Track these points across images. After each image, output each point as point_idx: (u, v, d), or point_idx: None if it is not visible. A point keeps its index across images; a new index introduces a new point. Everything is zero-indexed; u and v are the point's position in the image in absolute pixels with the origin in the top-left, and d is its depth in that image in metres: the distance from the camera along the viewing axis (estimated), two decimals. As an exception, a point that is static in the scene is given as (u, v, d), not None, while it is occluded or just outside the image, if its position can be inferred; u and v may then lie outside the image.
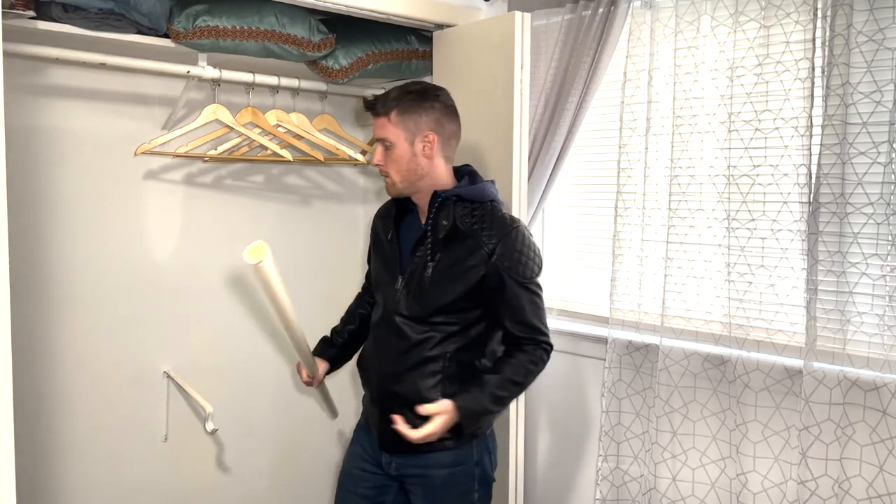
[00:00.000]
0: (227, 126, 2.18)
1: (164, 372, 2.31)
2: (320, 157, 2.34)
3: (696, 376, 1.98)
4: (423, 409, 1.62)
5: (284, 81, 2.25)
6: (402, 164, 1.70)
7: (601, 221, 2.31)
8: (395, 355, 1.72)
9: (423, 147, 1.69)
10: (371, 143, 2.52)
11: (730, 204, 1.90)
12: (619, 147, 2.11)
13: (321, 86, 2.32)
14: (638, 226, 2.09)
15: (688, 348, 1.99)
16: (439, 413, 1.61)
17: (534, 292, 1.69)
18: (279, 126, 2.28)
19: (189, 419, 2.37)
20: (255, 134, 2.21)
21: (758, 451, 1.88)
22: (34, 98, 2.04)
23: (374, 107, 1.72)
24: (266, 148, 2.22)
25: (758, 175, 1.87)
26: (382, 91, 2.37)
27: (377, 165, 1.75)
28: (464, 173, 1.79)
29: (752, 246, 1.88)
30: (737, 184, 1.89)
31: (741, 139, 1.88)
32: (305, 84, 2.28)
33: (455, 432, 1.66)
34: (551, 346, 1.73)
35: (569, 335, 2.30)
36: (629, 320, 2.11)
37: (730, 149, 1.90)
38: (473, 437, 1.73)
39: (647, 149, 2.06)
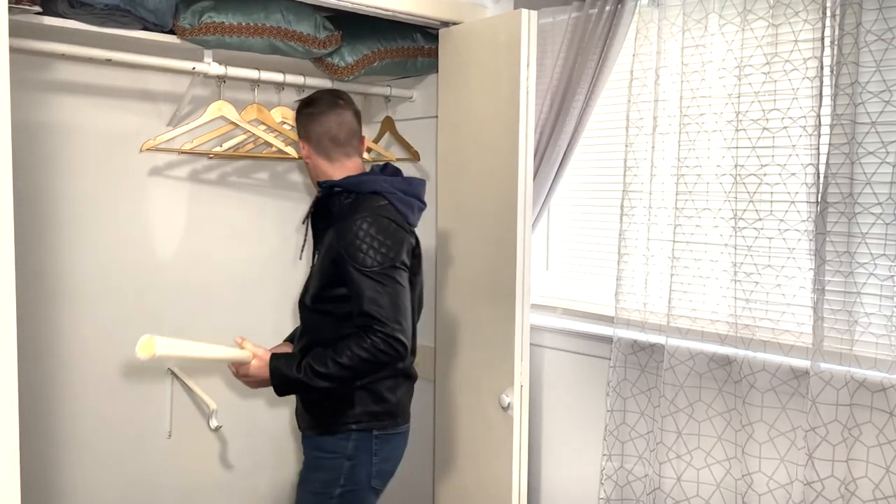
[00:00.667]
0: (233, 123, 2.17)
1: (169, 369, 2.31)
2: (325, 154, 2.33)
3: (701, 376, 1.98)
4: (238, 338, 1.76)
5: (290, 78, 2.24)
6: (307, 164, 1.91)
7: (607, 220, 2.31)
8: (299, 341, 1.86)
9: (308, 151, 1.86)
10: (376, 141, 2.52)
11: (737, 203, 1.90)
12: (626, 146, 2.10)
13: (326, 83, 2.31)
14: (644, 225, 2.09)
15: (693, 348, 1.98)
16: (254, 354, 1.72)
17: (377, 281, 1.67)
18: (284, 123, 2.27)
19: (193, 416, 2.37)
20: (260, 131, 2.21)
21: (764, 451, 1.87)
22: (40, 94, 2.04)
23: None
24: (271, 145, 2.22)
25: (765, 174, 1.86)
26: (388, 88, 2.38)
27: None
28: (378, 169, 1.87)
29: (758, 245, 1.87)
30: (744, 183, 1.88)
31: (749, 138, 1.87)
32: (311, 81, 2.28)
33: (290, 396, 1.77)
34: (392, 338, 1.63)
35: (573, 334, 2.29)
36: (634, 320, 2.10)
37: (737, 148, 1.89)
38: (350, 430, 1.74)
39: (653, 147, 2.05)
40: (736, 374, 1.90)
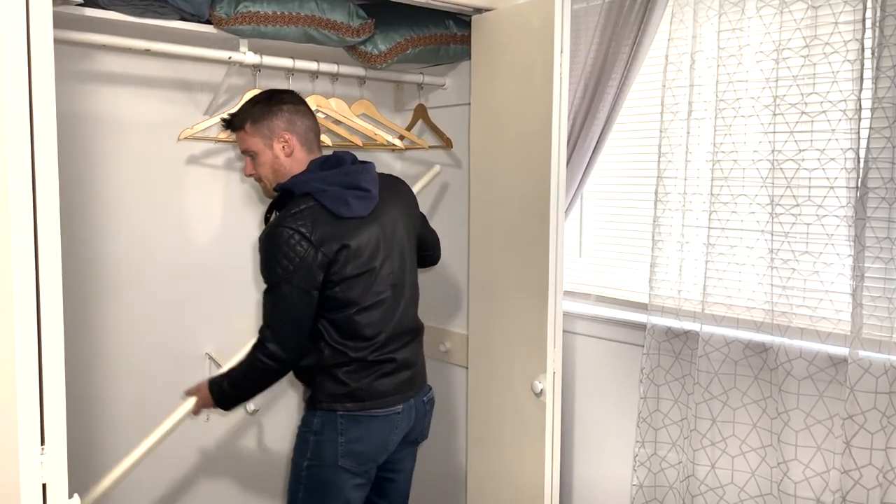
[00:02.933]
0: (268, 111, 2.19)
1: (206, 353, 2.36)
2: (359, 142, 2.35)
3: (736, 363, 1.96)
4: (183, 393, 1.96)
5: (324, 67, 2.26)
6: (269, 167, 1.87)
7: (640, 207, 2.29)
8: None
9: (283, 147, 1.84)
10: (409, 129, 2.53)
11: (774, 189, 1.87)
12: (660, 132, 2.09)
13: (360, 71, 2.33)
14: (678, 211, 2.07)
15: (728, 335, 1.97)
16: (197, 393, 1.91)
17: (270, 291, 1.77)
18: (318, 111, 2.29)
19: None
20: (294, 119, 2.22)
21: (800, 439, 1.85)
22: (80, 84, 2.09)
23: (232, 124, 1.89)
24: (305, 133, 2.24)
25: (803, 160, 1.83)
26: (421, 75, 2.38)
27: (249, 175, 1.92)
28: (321, 161, 1.87)
29: (796, 232, 1.85)
30: (781, 168, 1.86)
31: (786, 123, 1.85)
32: (344, 69, 2.29)
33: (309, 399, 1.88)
34: (265, 351, 1.77)
35: (606, 321, 2.29)
36: (669, 307, 2.09)
37: (774, 132, 1.87)
38: (316, 405, 1.85)
39: (688, 133, 2.03)
40: (772, 361, 1.89)
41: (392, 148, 2.44)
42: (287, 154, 1.85)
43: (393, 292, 1.88)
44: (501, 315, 2.19)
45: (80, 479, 2.11)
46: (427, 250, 2.14)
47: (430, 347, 2.70)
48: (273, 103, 1.84)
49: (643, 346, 2.14)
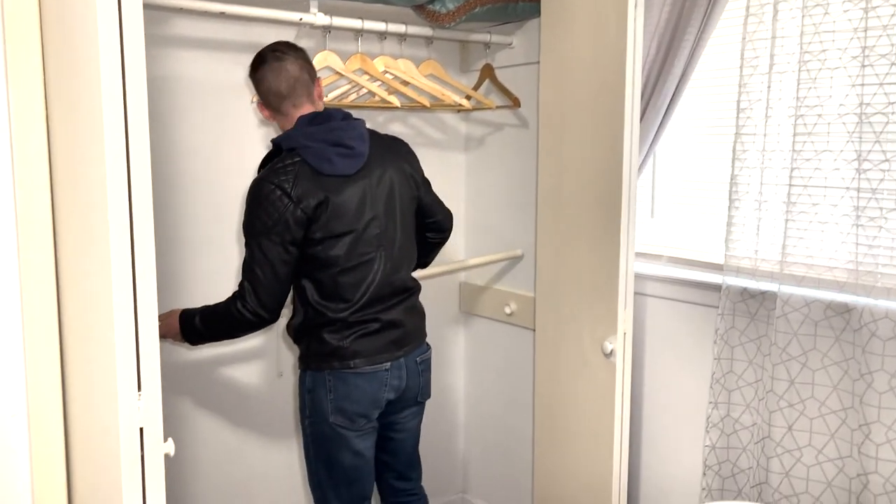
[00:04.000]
0: (338, 73, 2.21)
1: (279, 312, 2.41)
2: (426, 102, 2.34)
3: (816, 324, 1.91)
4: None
5: (392, 27, 2.25)
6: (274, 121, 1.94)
7: (716, 165, 2.24)
8: None
9: (261, 108, 1.91)
10: (476, 88, 2.51)
11: (861, 144, 1.80)
12: (739, 86, 2.02)
13: (427, 31, 2.32)
14: (757, 169, 2.01)
15: (809, 296, 1.92)
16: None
17: (249, 244, 1.79)
18: (387, 72, 2.29)
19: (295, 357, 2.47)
20: (364, 80, 2.24)
21: (883, 401, 1.80)
22: (157, 48, 2.13)
23: None
24: (374, 94, 2.25)
25: (893, 113, 1.76)
26: (487, 34, 2.35)
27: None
28: (311, 117, 1.85)
29: (884, 188, 1.78)
30: (870, 122, 1.78)
31: (876, 75, 1.77)
32: (412, 30, 2.29)
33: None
34: (243, 303, 1.78)
35: (678, 282, 2.25)
36: (745, 267, 2.05)
37: (863, 85, 1.79)
38: (307, 364, 1.89)
39: (769, 87, 1.96)
40: (855, 322, 1.83)
41: (459, 108, 2.43)
42: (272, 114, 1.89)
43: (380, 253, 1.87)
44: (571, 276, 2.17)
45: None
46: (430, 217, 2.07)
47: (495, 310, 2.71)
48: (255, 65, 1.86)
49: (717, 307, 2.11)
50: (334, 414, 1.86)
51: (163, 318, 1.89)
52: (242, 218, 1.82)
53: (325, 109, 1.90)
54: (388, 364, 1.89)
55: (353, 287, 1.84)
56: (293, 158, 1.79)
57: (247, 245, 1.80)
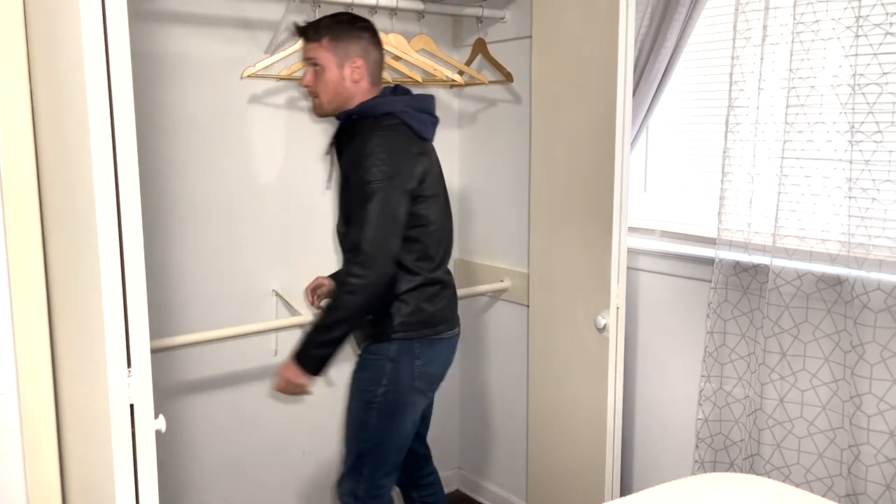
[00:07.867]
0: (328, 48, 2.18)
1: (273, 290, 2.41)
2: (418, 77, 2.32)
3: (808, 296, 1.91)
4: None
5: (382, 2, 2.23)
6: (331, 87, 1.86)
7: (709, 138, 2.22)
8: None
9: (352, 72, 1.84)
10: (468, 63, 2.49)
11: (854, 115, 1.79)
12: (732, 59, 2.00)
13: (419, 5, 2.29)
14: (750, 142, 2.00)
15: (801, 268, 1.91)
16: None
17: (369, 197, 1.73)
18: (378, 47, 2.27)
19: (297, 336, 2.47)
20: (354, 55, 2.21)
21: (875, 372, 1.81)
22: (146, 24, 2.11)
23: (306, 32, 1.86)
24: (365, 69, 2.23)
25: (887, 83, 1.74)
26: (480, 9, 2.33)
27: (307, 86, 1.90)
28: (392, 89, 1.93)
29: (877, 160, 1.77)
30: (863, 93, 1.77)
31: (870, 45, 1.75)
32: (403, 4, 2.26)
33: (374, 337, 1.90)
34: (362, 267, 1.73)
35: (671, 256, 2.25)
36: (737, 240, 2.04)
37: (856, 55, 1.77)
38: (390, 337, 1.87)
39: (762, 59, 1.95)
40: (847, 294, 1.83)
41: (452, 83, 2.41)
42: (354, 80, 1.87)
43: (447, 217, 2.00)
44: (564, 251, 2.17)
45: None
46: None
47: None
48: (356, 28, 1.86)
49: (710, 281, 2.11)
50: (419, 379, 1.92)
51: (281, 374, 1.87)
52: (354, 176, 1.76)
53: (397, 86, 1.98)
54: (457, 329, 2.02)
55: (436, 247, 1.93)
56: (393, 121, 1.83)
57: (366, 193, 1.73)
